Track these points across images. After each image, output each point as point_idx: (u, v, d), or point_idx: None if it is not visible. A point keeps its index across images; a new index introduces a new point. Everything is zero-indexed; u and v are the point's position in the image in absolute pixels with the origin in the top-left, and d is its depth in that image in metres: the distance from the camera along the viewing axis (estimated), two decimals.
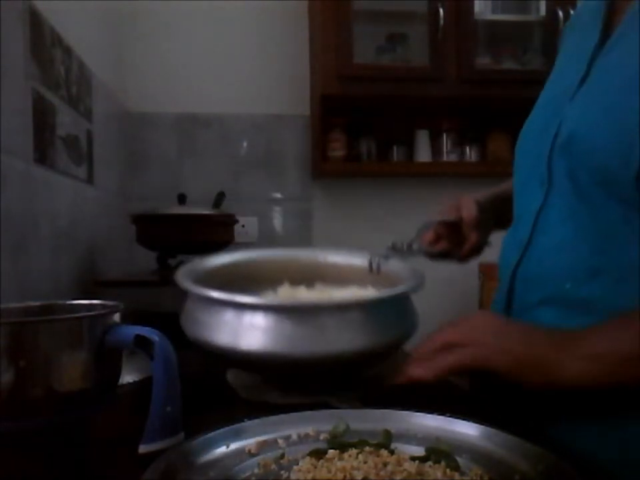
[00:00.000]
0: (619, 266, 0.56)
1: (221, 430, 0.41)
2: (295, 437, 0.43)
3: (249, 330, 0.54)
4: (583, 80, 0.62)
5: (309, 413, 0.46)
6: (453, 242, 0.80)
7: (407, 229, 2.12)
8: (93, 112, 1.32)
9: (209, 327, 0.56)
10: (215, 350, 0.56)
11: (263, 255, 0.78)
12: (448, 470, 0.37)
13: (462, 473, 0.37)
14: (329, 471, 0.37)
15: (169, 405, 0.43)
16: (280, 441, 0.43)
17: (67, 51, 1.14)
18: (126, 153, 1.77)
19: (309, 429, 0.44)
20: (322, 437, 0.43)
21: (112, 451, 0.47)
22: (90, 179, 1.29)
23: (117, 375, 0.51)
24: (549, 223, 0.63)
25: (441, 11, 1.63)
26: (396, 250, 0.73)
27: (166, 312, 0.61)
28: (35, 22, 0.97)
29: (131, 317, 0.52)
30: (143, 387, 0.63)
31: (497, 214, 0.83)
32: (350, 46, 1.64)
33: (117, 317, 0.49)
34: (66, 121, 1.12)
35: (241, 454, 0.41)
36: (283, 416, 0.45)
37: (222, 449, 0.40)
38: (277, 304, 0.57)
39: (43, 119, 0.99)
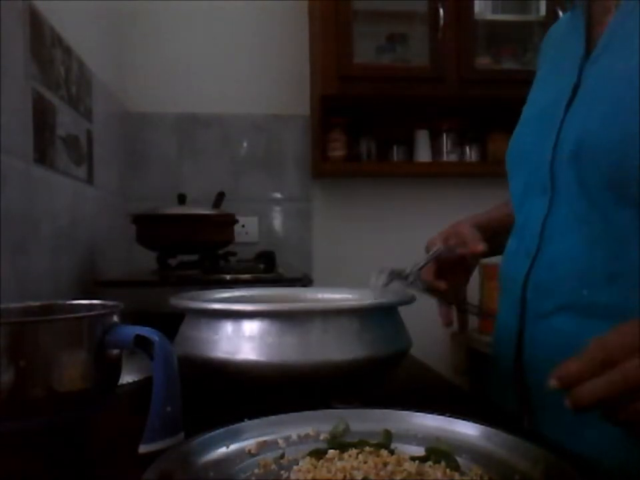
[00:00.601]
0: (638, 270, 0.56)
1: (221, 430, 0.41)
2: (294, 437, 0.43)
3: (246, 340, 0.54)
4: (575, 88, 0.64)
5: (308, 412, 0.46)
6: (454, 273, 0.77)
7: (406, 229, 2.12)
8: (93, 112, 1.32)
9: (204, 342, 0.56)
10: (210, 365, 0.56)
11: (255, 292, 0.78)
12: (448, 470, 0.37)
13: (462, 473, 0.37)
14: (329, 471, 0.37)
15: (169, 405, 0.43)
16: (280, 441, 0.43)
17: (67, 51, 1.14)
18: (126, 153, 1.77)
19: (309, 429, 0.44)
20: (322, 436, 0.43)
21: (112, 451, 0.47)
22: (90, 179, 1.29)
23: (117, 375, 0.51)
24: (557, 231, 0.64)
25: (441, 11, 1.63)
26: (395, 277, 0.70)
27: (166, 312, 0.61)
28: (35, 22, 0.97)
29: (131, 317, 0.52)
30: (142, 387, 0.63)
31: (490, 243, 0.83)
32: (350, 46, 1.64)
33: (116, 317, 0.49)
34: (66, 120, 1.12)
35: (241, 454, 0.41)
36: (282, 416, 0.45)
37: (222, 449, 0.40)
38: (275, 310, 0.56)
39: (42, 119, 0.99)
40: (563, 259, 0.62)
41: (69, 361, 0.45)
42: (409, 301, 0.62)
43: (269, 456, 0.41)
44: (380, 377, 0.60)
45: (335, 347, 0.54)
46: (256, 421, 0.44)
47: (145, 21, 1.82)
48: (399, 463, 0.38)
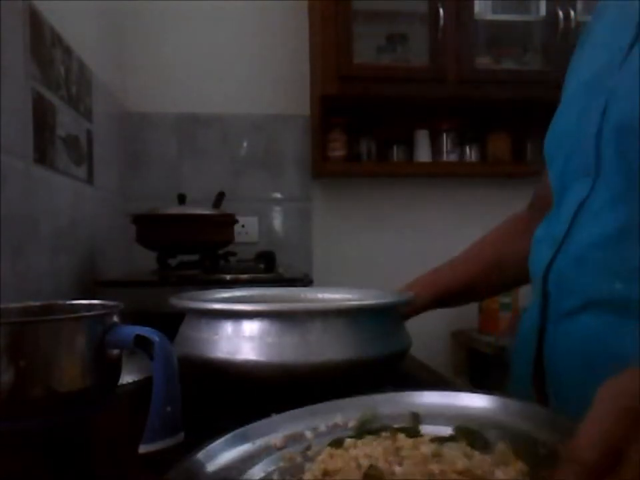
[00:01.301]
0: None
1: (247, 427, 0.40)
2: (322, 427, 0.42)
3: (246, 340, 0.54)
4: (632, 46, 0.55)
5: (337, 402, 0.45)
6: None
7: (406, 229, 2.12)
8: (92, 112, 1.32)
9: (204, 342, 0.56)
10: (210, 365, 0.56)
11: (255, 292, 0.78)
12: (469, 449, 0.36)
13: (486, 451, 0.36)
14: (344, 460, 0.36)
15: (169, 404, 0.43)
16: (307, 433, 0.42)
17: (67, 51, 1.14)
18: (126, 153, 1.77)
19: (337, 419, 0.43)
20: (350, 425, 0.42)
21: (112, 451, 0.47)
22: (90, 179, 1.29)
23: (117, 375, 0.51)
24: (591, 215, 0.55)
25: (441, 10, 1.63)
26: None
27: (166, 312, 0.61)
28: (35, 22, 0.97)
29: (131, 317, 0.52)
30: (143, 387, 0.63)
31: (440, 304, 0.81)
32: (350, 46, 1.64)
33: (116, 317, 0.49)
34: (66, 120, 1.12)
35: (266, 449, 0.40)
36: (310, 407, 0.44)
37: (247, 445, 0.40)
38: (275, 310, 0.57)
39: (43, 118, 0.99)
40: (593, 247, 0.54)
41: (69, 361, 0.45)
42: (409, 300, 0.62)
43: (295, 449, 0.40)
44: (380, 376, 0.60)
45: (335, 347, 0.54)
46: (283, 415, 0.42)
47: (145, 20, 1.82)
48: (415, 446, 0.37)
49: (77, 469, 0.44)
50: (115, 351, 0.49)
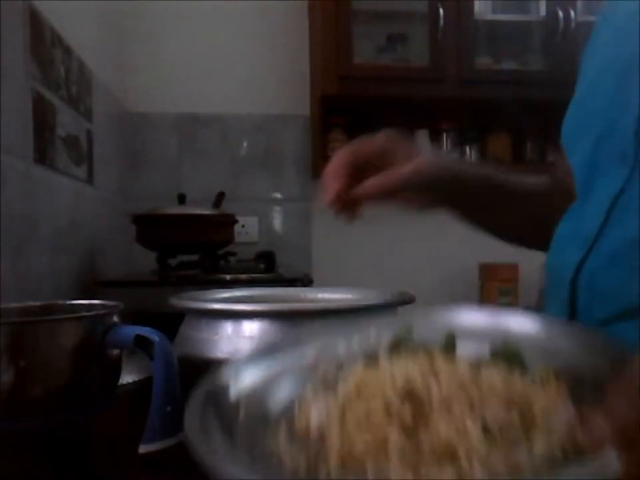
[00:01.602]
0: None
1: (276, 342, 0.39)
2: (355, 345, 0.40)
3: (246, 340, 0.54)
4: None
5: (371, 319, 0.44)
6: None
7: (406, 229, 2.11)
8: (92, 112, 1.32)
9: (204, 342, 0.56)
10: (210, 365, 0.56)
11: (255, 292, 0.78)
12: (508, 372, 0.34)
13: (525, 374, 0.34)
14: (378, 379, 0.34)
15: (169, 404, 0.43)
16: (340, 350, 0.40)
17: (67, 51, 1.14)
18: (126, 153, 1.77)
19: (371, 336, 0.41)
20: (384, 342, 0.40)
21: (112, 451, 0.47)
22: (90, 179, 1.29)
23: (117, 375, 0.51)
24: (629, 210, 0.49)
25: (441, 10, 1.63)
26: None
27: (166, 312, 0.61)
28: (35, 22, 0.97)
29: (131, 317, 0.52)
30: (143, 387, 0.63)
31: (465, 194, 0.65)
32: (350, 46, 1.64)
33: (116, 317, 0.49)
34: (66, 120, 1.12)
35: (297, 366, 0.38)
36: (342, 322, 0.43)
37: (276, 362, 0.38)
38: (275, 310, 0.57)
39: (43, 118, 0.99)
40: (631, 246, 0.48)
41: (69, 361, 0.45)
42: (409, 300, 0.62)
43: (327, 366, 0.38)
44: None
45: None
46: (312, 329, 0.41)
47: (145, 20, 1.82)
48: (453, 368, 0.35)
49: (77, 469, 0.44)
50: (115, 351, 0.49)
